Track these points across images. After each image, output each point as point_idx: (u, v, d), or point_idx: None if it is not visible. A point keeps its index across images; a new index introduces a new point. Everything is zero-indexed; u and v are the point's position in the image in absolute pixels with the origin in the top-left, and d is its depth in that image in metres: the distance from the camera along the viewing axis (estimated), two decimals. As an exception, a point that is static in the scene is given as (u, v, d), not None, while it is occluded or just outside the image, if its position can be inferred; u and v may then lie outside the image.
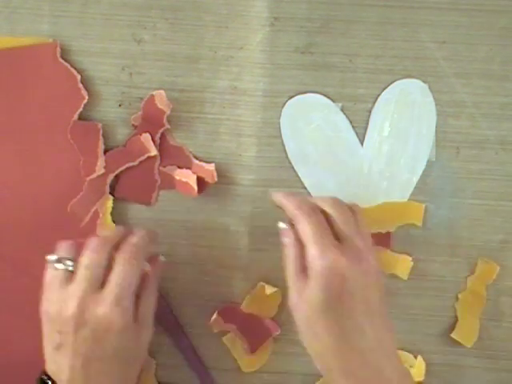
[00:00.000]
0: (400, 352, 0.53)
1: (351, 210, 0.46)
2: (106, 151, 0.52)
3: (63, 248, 0.45)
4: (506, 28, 0.50)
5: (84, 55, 0.52)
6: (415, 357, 0.53)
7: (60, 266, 0.44)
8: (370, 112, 0.52)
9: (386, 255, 0.52)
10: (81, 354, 0.42)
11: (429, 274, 0.53)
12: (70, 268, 0.44)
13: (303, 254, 0.44)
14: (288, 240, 0.45)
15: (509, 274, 0.53)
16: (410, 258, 0.52)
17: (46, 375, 0.44)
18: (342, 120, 0.52)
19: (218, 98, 0.52)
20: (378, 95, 0.51)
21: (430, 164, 0.52)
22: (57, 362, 0.43)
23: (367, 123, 0.52)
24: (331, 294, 0.42)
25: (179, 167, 0.52)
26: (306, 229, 0.43)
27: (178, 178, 0.52)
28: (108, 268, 0.44)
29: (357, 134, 0.52)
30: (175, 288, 0.53)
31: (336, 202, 0.45)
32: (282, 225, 0.46)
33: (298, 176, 0.52)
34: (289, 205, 0.45)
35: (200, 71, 0.52)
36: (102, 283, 0.43)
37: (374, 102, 0.51)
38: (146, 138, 0.51)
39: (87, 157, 0.51)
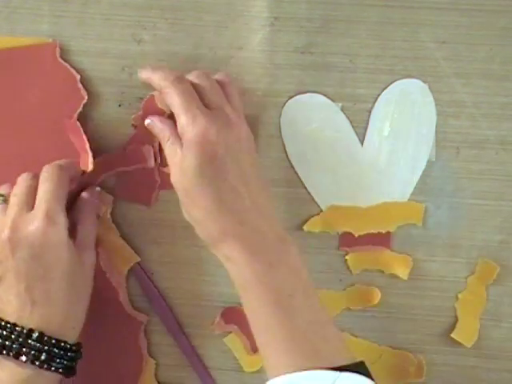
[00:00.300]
0: (400, 351, 0.53)
1: (221, 82, 0.48)
2: (105, 151, 0.52)
3: (1, 187, 0.48)
4: (506, 28, 0.50)
5: (84, 55, 0.52)
6: (415, 357, 0.53)
7: None
8: (370, 112, 0.52)
9: (386, 255, 0.52)
10: (22, 277, 0.43)
11: (429, 274, 0.53)
12: (5, 199, 0.46)
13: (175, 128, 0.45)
14: (152, 119, 0.48)
15: (509, 274, 0.52)
16: (411, 258, 0.52)
17: None
18: (341, 120, 0.52)
19: (217, 97, 0.52)
20: (378, 95, 0.51)
21: (430, 164, 0.52)
22: (2, 298, 0.44)
23: (367, 123, 0.52)
24: (204, 159, 0.43)
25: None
26: (174, 98, 0.45)
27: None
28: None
29: (357, 133, 0.52)
30: (175, 288, 0.53)
31: (202, 73, 0.47)
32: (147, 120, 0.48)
33: (297, 176, 0.52)
34: (155, 77, 0.46)
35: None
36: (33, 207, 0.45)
37: (374, 102, 0.51)
38: (147, 149, 0.51)
39: (83, 153, 0.51)
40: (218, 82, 0.47)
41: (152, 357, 0.53)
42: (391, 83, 0.51)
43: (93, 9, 0.52)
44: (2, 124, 0.52)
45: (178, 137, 0.45)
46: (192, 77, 0.47)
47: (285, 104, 0.52)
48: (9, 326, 0.43)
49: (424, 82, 0.51)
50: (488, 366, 0.53)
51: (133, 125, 0.52)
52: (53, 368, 0.44)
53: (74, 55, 0.52)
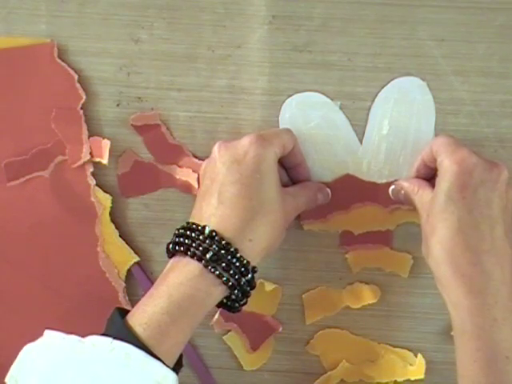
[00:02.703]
0: (401, 350, 0.53)
1: None
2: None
3: None
4: (505, 26, 0.50)
5: (81, 55, 0.52)
6: (415, 355, 0.53)
7: None
8: (369, 110, 0.51)
9: (386, 253, 0.52)
10: (219, 180, 0.44)
11: (428, 271, 0.52)
12: None
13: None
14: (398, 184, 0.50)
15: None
16: (411, 256, 0.52)
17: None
18: (340, 118, 0.52)
19: (216, 96, 0.52)
20: (377, 93, 0.51)
21: (429, 162, 0.52)
22: (200, 208, 0.45)
23: (366, 121, 0.52)
24: (456, 183, 0.43)
25: (179, 166, 0.52)
26: (441, 140, 0.46)
27: (178, 176, 0.52)
28: None
29: (356, 132, 0.52)
30: (175, 287, 0.53)
31: None
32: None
33: (297, 175, 0.52)
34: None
35: (198, 70, 0.52)
36: None
37: (373, 101, 0.51)
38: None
39: (73, 144, 0.52)
40: None
41: (152, 356, 0.53)
42: (390, 81, 0.51)
43: (90, 9, 0.51)
44: (0, 124, 0.52)
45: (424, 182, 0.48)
46: None
47: (283, 103, 0.52)
48: (188, 224, 0.44)
49: (423, 79, 0.51)
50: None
51: (132, 125, 0.52)
52: (217, 272, 0.42)
53: (71, 55, 0.52)
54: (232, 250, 0.42)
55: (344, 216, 0.52)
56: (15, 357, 0.42)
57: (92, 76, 0.52)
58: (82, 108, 0.51)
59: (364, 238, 0.52)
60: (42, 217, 0.53)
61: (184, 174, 0.52)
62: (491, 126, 0.51)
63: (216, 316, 0.53)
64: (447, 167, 0.43)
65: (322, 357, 0.54)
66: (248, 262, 0.43)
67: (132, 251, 0.53)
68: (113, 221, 0.53)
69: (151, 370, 0.39)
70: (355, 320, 0.54)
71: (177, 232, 0.44)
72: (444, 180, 0.43)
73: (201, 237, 0.42)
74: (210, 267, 0.42)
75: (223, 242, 0.42)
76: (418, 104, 0.51)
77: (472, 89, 0.51)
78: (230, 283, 0.42)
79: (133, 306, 0.52)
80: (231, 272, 0.42)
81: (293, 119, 0.52)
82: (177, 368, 0.42)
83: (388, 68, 0.51)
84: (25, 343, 0.43)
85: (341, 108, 0.52)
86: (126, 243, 0.53)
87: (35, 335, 0.44)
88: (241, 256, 0.43)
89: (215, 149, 0.46)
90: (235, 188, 0.44)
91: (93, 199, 0.52)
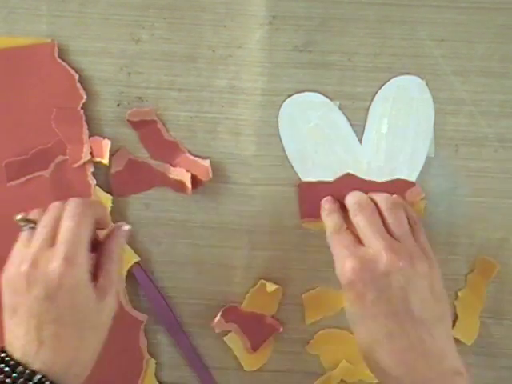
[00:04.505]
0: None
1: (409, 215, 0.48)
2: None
3: (32, 212, 0.45)
4: (505, 25, 0.50)
5: (82, 55, 0.52)
6: (415, 355, 0.53)
7: (25, 226, 0.44)
8: (369, 110, 0.52)
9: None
10: (34, 315, 0.41)
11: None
12: (32, 227, 0.44)
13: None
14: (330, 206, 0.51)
15: (509, 272, 0.52)
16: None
17: (3, 351, 0.42)
18: (340, 118, 0.52)
19: (216, 96, 0.52)
20: (376, 93, 0.51)
21: (428, 162, 0.52)
22: (12, 330, 0.42)
23: (366, 121, 0.52)
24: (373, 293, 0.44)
25: (173, 163, 0.52)
26: (362, 222, 0.46)
27: (171, 176, 0.52)
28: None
29: (355, 131, 0.52)
30: (175, 288, 0.53)
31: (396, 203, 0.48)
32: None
33: (296, 174, 0.52)
34: (349, 198, 0.49)
35: (198, 70, 0.52)
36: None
37: (372, 100, 0.51)
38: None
39: (73, 144, 0.52)
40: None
41: (152, 356, 0.53)
42: (389, 80, 0.51)
43: (91, 8, 0.51)
44: (1, 124, 0.52)
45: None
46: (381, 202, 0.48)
47: (283, 102, 0.52)
48: (12, 363, 0.41)
49: (422, 79, 0.51)
50: (488, 363, 0.53)
51: (128, 120, 0.52)
52: None
53: (72, 55, 0.52)
54: None
55: (344, 215, 0.52)
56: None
57: (93, 76, 0.52)
58: (82, 108, 0.52)
59: (364, 237, 0.52)
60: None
61: (177, 174, 0.52)
62: (491, 126, 0.51)
63: (217, 317, 0.52)
64: (376, 269, 0.44)
65: (321, 357, 0.54)
66: None
67: (132, 251, 0.53)
68: (113, 221, 0.52)
69: None
70: (355, 320, 0.53)
71: None
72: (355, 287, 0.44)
73: (30, 383, 0.40)
74: None
75: None
76: (416, 102, 0.51)
77: (472, 89, 0.51)
78: None
79: (133, 306, 0.52)
80: None
81: (292, 119, 0.52)
82: None
83: (388, 68, 0.51)
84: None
85: (340, 108, 0.52)
86: (126, 243, 0.52)
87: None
88: None
89: (23, 268, 0.42)
90: (54, 327, 0.41)
91: (93, 199, 0.52)
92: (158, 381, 0.54)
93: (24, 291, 0.42)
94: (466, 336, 0.53)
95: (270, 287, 0.52)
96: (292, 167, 0.52)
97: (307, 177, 0.52)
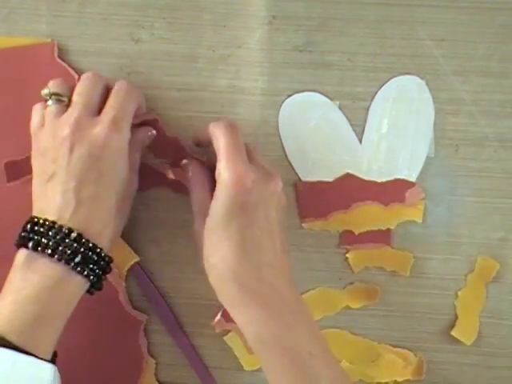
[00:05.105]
0: (401, 350, 0.53)
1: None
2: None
3: (55, 84, 0.46)
4: (505, 25, 0.50)
5: (82, 55, 0.52)
6: (415, 355, 0.53)
7: (53, 100, 0.45)
8: (369, 110, 0.52)
9: (387, 252, 0.52)
10: (74, 175, 0.42)
11: (428, 271, 0.53)
12: (64, 100, 0.45)
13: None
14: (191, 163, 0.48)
15: (509, 272, 0.53)
16: (412, 255, 0.52)
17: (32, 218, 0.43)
18: (340, 118, 0.52)
19: (216, 96, 0.52)
20: (376, 93, 0.51)
21: (428, 162, 0.52)
22: (47, 195, 0.43)
23: (365, 121, 0.52)
24: (236, 203, 0.42)
25: (173, 160, 0.52)
26: (221, 142, 0.43)
27: (169, 176, 0.52)
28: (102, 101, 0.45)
29: (355, 131, 0.52)
30: (175, 288, 0.53)
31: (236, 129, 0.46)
32: (184, 161, 0.48)
33: (296, 174, 0.52)
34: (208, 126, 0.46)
35: (198, 70, 0.52)
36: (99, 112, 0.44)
37: (372, 100, 0.51)
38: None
39: None
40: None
41: (152, 356, 0.53)
42: (389, 80, 0.51)
43: (90, 8, 0.52)
44: (1, 124, 0.52)
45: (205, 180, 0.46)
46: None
47: (283, 102, 0.52)
48: (47, 223, 0.42)
49: (422, 79, 0.51)
50: (488, 363, 0.53)
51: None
52: (85, 272, 0.42)
53: (72, 55, 0.52)
54: (98, 250, 0.43)
55: (344, 215, 0.52)
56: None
57: (92, 76, 0.52)
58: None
59: (364, 237, 0.52)
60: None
61: (176, 174, 0.52)
62: (491, 126, 0.51)
63: (218, 317, 0.52)
64: (226, 183, 0.42)
65: (322, 357, 0.54)
66: (110, 259, 0.45)
67: (132, 251, 0.53)
68: (113, 221, 0.53)
69: (26, 365, 0.40)
70: (355, 320, 0.53)
71: (30, 227, 0.43)
72: (223, 197, 0.42)
73: (67, 240, 0.42)
74: (78, 269, 0.42)
75: (90, 245, 0.42)
76: (416, 102, 0.51)
77: (472, 88, 0.51)
78: (95, 279, 0.44)
79: (133, 306, 0.52)
80: (97, 271, 0.44)
81: (292, 119, 0.52)
82: (54, 359, 0.43)
83: (388, 68, 0.51)
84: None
85: (340, 108, 0.52)
86: (126, 243, 0.53)
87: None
88: (105, 255, 0.44)
89: (65, 132, 0.43)
90: (94, 188, 0.43)
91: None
92: (158, 381, 0.54)
93: (66, 154, 0.42)
94: (465, 336, 0.53)
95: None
96: (291, 167, 0.52)
97: (307, 177, 0.52)
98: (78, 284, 0.43)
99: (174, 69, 0.52)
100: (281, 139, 0.52)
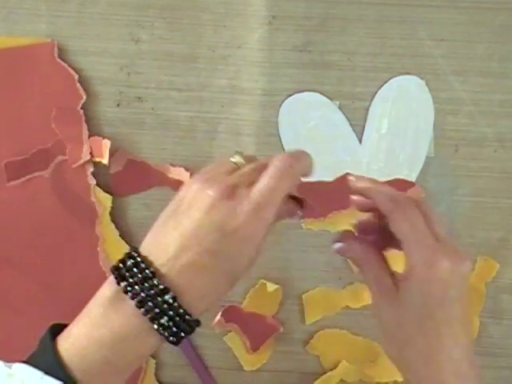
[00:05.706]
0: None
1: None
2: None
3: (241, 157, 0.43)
4: (505, 25, 0.50)
5: (82, 55, 0.52)
6: (415, 355, 0.53)
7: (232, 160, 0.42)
8: (368, 110, 0.52)
9: (387, 252, 0.52)
10: (197, 236, 0.38)
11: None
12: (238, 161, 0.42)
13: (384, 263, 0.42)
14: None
15: (508, 272, 0.53)
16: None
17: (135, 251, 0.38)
18: (340, 118, 0.52)
19: (216, 96, 0.52)
20: (376, 93, 0.51)
21: (428, 162, 0.52)
22: (166, 237, 0.39)
23: (365, 121, 0.52)
24: (433, 300, 0.39)
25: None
26: (404, 226, 0.40)
27: (170, 175, 0.52)
28: None
29: (355, 131, 0.52)
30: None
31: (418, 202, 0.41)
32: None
33: (296, 175, 0.52)
34: (380, 195, 0.41)
35: (198, 70, 0.52)
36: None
37: (372, 100, 0.51)
38: None
39: (73, 144, 0.52)
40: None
41: (152, 356, 0.53)
42: (388, 80, 0.51)
43: (90, 8, 0.51)
44: (1, 124, 0.52)
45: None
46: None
47: (283, 102, 0.52)
48: (147, 272, 0.37)
49: (422, 79, 0.51)
50: (488, 363, 0.53)
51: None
52: (166, 334, 0.38)
53: (72, 55, 0.52)
54: (187, 317, 0.38)
55: (344, 215, 0.52)
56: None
57: (92, 76, 0.52)
58: (82, 108, 0.52)
59: (364, 237, 0.52)
60: (43, 217, 0.53)
61: (177, 173, 0.52)
62: (491, 126, 0.51)
63: (218, 317, 0.52)
64: (420, 276, 0.39)
65: (321, 357, 0.54)
66: (198, 323, 0.40)
67: (132, 251, 0.53)
68: (113, 221, 0.53)
69: None
70: (355, 320, 0.53)
71: (130, 264, 0.38)
72: (419, 290, 0.39)
73: (159, 298, 0.37)
74: (160, 329, 0.38)
75: (180, 311, 0.38)
76: (416, 102, 0.51)
77: (471, 88, 0.51)
78: (174, 339, 0.39)
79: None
80: (178, 333, 0.39)
81: (292, 119, 0.52)
82: None
83: (387, 68, 0.51)
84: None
85: (340, 108, 0.52)
86: (126, 243, 0.53)
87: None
88: (193, 320, 0.39)
89: (212, 193, 0.38)
90: (209, 260, 0.38)
91: (93, 199, 0.52)
92: (158, 381, 0.54)
93: (202, 209, 0.38)
94: (465, 336, 0.53)
95: (270, 287, 0.52)
96: (292, 167, 0.52)
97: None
98: (155, 341, 0.39)
99: (173, 69, 0.52)
100: (281, 139, 0.52)
